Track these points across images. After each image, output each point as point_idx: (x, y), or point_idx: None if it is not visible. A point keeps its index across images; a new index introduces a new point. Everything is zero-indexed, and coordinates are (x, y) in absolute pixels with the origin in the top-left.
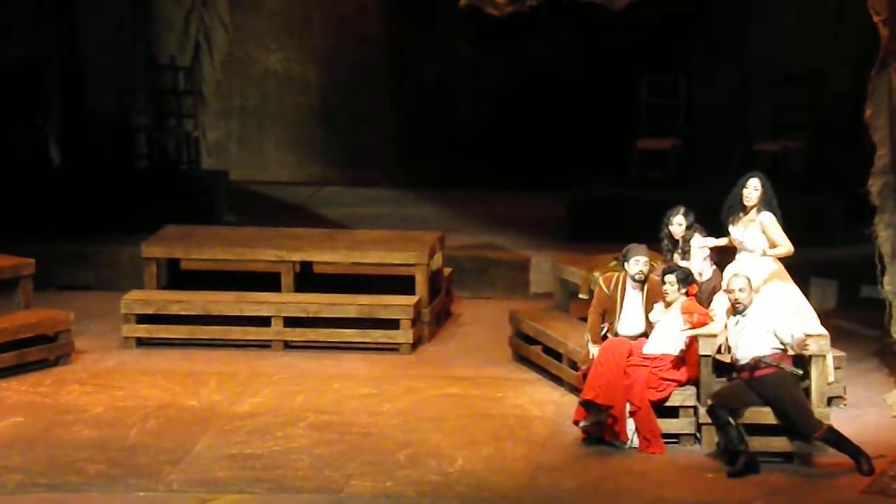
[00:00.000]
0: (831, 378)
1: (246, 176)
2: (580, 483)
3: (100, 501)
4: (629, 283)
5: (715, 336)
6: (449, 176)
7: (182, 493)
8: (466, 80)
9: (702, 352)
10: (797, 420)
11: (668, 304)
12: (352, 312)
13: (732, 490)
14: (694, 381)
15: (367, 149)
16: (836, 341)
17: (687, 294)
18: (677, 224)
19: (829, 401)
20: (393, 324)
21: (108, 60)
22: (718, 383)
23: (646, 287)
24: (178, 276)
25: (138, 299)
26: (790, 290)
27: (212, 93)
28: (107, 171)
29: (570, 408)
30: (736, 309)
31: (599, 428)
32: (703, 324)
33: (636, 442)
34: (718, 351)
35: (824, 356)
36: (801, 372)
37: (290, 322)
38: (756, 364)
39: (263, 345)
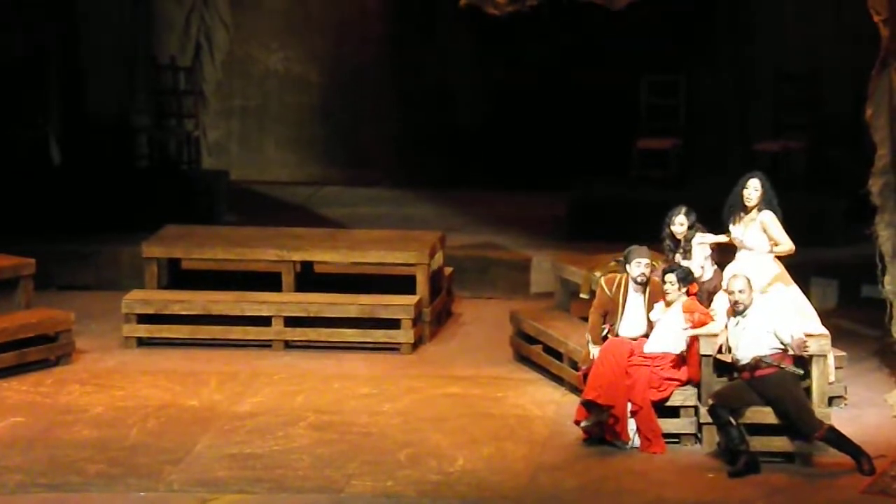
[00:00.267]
0: (832, 378)
1: (246, 176)
2: (581, 483)
3: (100, 501)
4: (631, 285)
5: (716, 336)
6: (449, 176)
7: (182, 493)
8: (467, 80)
9: (703, 352)
10: (798, 420)
11: (668, 304)
12: (352, 312)
13: (733, 490)
14: (695, 382)
15: (368, 149)
16: (836, 341)
17: (687, 293)
18: (679, 224)
19: (830, 400)
20: (394, 323)
21: (108, 60)
22: (719, 383)
23: (648, 289)
24: (178, 276)
25: (139, 299)
26: (791, 292)
27: (212, 93)
28: (107, 170)
29: (571, 407)
30: (736, 310)
31: (600, 428)
32: (704, 323)
33: (637, 442)
34: (719, 351)
35: (825, 356)
36: (801, 372)
37: (291, 322)
38: (757, 364)
39: (264, 344)
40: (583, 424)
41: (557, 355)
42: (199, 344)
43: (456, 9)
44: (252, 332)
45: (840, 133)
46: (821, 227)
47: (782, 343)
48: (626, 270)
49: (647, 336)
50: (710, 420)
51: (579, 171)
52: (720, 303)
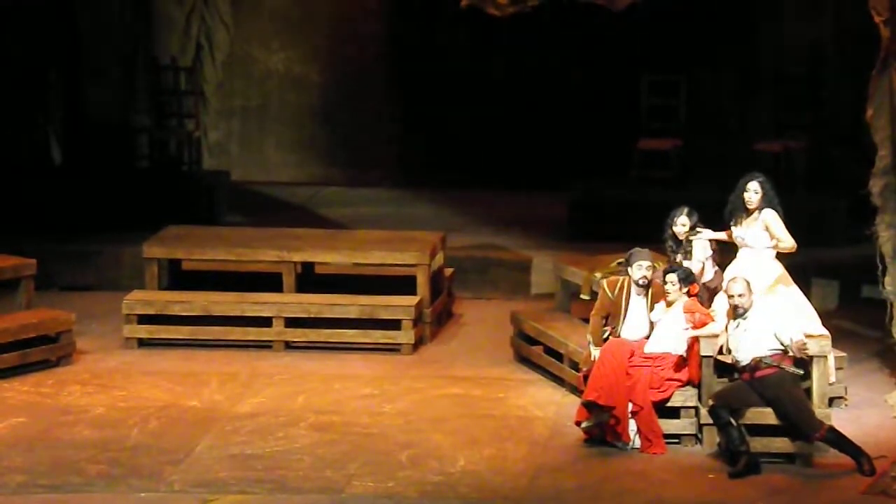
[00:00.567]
0: (832, 378)
1: (247, 176)
2: (582, 484)
3: (101, 502)
4: (634, 287)
5: (716, 336)
6: (449, 176)
7: (183, 494)
8: (467, 80)
9: (703, 352)
10: (798, 420)
11: (669, 304)
12: (353, 313)
13: (733, 490)
14: (695, 382)
15: (369, 149)
16: (837, 342)
17: (688, 294)
18: (681, 225)
19: (831, 401)
20: (394, 324)
21: (109, 60)
22: (720, 384)
23: (650, 292)
24: (179, 277)
25: (140, 300)
26: (792, 293)
27: (213, 93)
28: (108, 171)
29: (572, 408)
30: (736, 312)
31: (601, 428)
32: (705, 324)
33: (638, 442)
34: (720, 352)
35: (825, 357)
36: (802, 372)
37: (292, 322)
38: (757, 365)
39: (265, 345)
40: (583, 425)
41: (558, 356)
42: (199, 344)
43: (457, 9)
44: (253, 333)
45: (840, 133)
46: (821, 227)
47: (782, 345)
48: (627, 273)
49: (648, 338)
50: (710, 421)
51: (580, 171)
52: (721, 303)
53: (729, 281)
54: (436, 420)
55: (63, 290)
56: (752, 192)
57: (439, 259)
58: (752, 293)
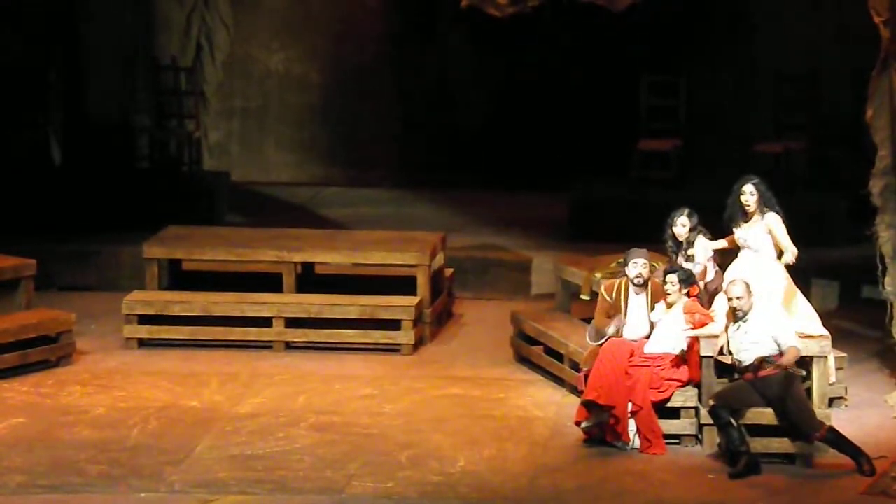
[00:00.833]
0: (832, 379)
1: (247, 176)
2: (582, 484)
3: (101, 502)
4: (632, 287)
5: (716, 337)
6: (449, 176)
7: (183, 494)
8: (467, 80)
9: (703, 353)
10: (799, 421)
11: (669, 305)
12: (353, 313)
13: (734, 491)
14: (695, 383)
15: (369, 149)
16: (837, 342)
17: (688, 295)
18: (681, 225)
19: (831, 401)
20: (394, 324)
21: (109, 60)
22: (720, 384)
23: (649, 290)
24: (179, 277)
25: (140, 300)
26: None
27: (213, 93)
28: (108, 171)
29: (572, 408)
30: (735, 315)
31: (601, 429)
32: (704, 324)
33: (638, 443)
34: (720, 352)
35: (826, 357)
36: (803, 372)
37: (292, 323)
38: (760, 364)
39: (265, 345)
40: (583, 425)
41: (558, 356)
42: (199, 345)
43: (456, 9)
44: (253, 333)
45: (840, 133)
46: (821, 227)
47: (780, 350)
48: (625, 273)
49: (648, 338)
50: (710, 421)
51: (580, 171)
52: (720, 304)
53: (728, 283)
54: (436, 420)
55: (63, 290)
56: (749, 194)
57: (439, 259)
58: (751, 295)
